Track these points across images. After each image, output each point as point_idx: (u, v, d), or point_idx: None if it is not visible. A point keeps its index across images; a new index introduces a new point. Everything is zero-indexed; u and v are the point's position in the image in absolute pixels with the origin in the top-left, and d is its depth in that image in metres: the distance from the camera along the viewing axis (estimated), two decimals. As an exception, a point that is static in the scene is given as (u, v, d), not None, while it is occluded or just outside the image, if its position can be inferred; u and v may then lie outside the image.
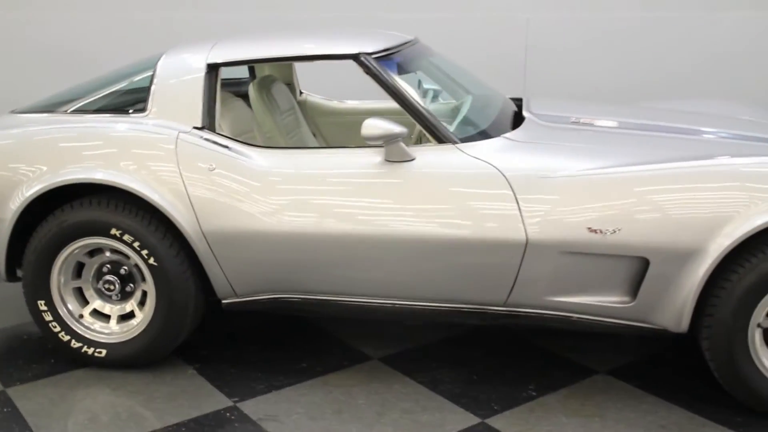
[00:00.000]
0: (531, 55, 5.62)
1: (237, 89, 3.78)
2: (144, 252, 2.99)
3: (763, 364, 2.71)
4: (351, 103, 4.27)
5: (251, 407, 2.86)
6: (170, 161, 2.97)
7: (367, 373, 3.11)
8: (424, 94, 3.50)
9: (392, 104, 3.02)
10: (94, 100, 3.26)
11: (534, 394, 2.94)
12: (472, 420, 2.76)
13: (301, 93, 4.30)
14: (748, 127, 3.30)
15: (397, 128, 2.80)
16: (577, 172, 2.78)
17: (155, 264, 3.00)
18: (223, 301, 3.12)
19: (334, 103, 4.28)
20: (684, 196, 2.67)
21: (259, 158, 2.96)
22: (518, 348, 3.30)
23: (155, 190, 2.95)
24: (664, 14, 5.43)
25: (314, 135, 4.08)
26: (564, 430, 2.69)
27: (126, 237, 2.99)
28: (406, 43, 3.41)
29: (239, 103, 3.48)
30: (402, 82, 3.01)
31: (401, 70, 3.17)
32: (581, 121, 3.23)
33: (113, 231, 2.99)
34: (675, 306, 2.73)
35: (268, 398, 2.93)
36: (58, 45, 5.65)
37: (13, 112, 3.42)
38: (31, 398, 2.95)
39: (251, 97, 3.53)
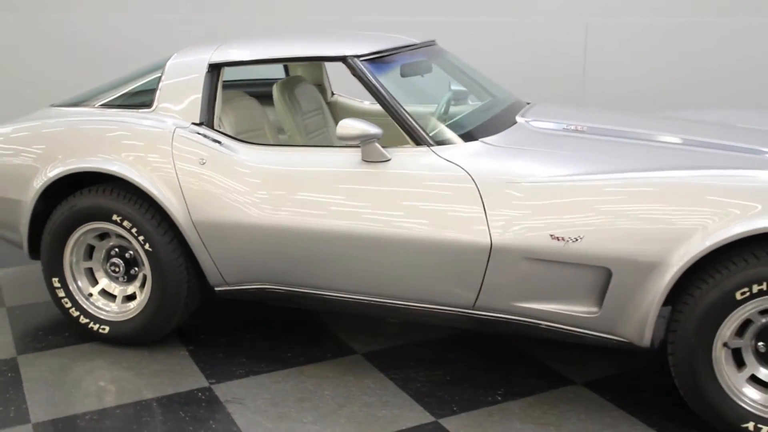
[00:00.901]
0: (590, 60, 5.53)
1: (266, 90, 3.94)
2: (141, 238, 3.20)
3: (728, 384, 2.60)
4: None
5: (223, 389, 3.01)
6: (166, 154, 3.16)
7: (345, 366, 3.19)
8: (455, 96, 3.57)
9: (419, 107, 3.13)
10: (115, 96, 3.51)
11: (499, 399, 2.93)
12: (427, 419, 2.79)
13: (332, 94, 4.43)
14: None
15: (372, 129, 2.87)
16: (545, 178, 2.76)
17: (150, 250, 3.20)
18: (216, 288, 3.29)
19: (365, 105, 4.37)
20: (648, 207, 2.60)
21: (247, 154, 3.11)
22: (504, 354, 3.29)
23: (151, 181, 3.15)
24: (727, 20, 5.22)
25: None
26: (508, 426, 2.69)
27: (125, 223, 3.21)
28: (407, 46, 3.47)
29: (249, 102, 3.64)
30: (387, 84, 3.07)
31: (394, 72, 3.24)
32: (573, 128, 3.18)
33: (114, 217, 3.22)
34: (638, 319, 2.66)
35: (243, 382, 3.06)
36: (102, 44, 6.07)
37: (52, 105, 3.73)
38: (35, 366, 3.22)
39: (274, 97, 3.69)
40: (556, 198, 2.71)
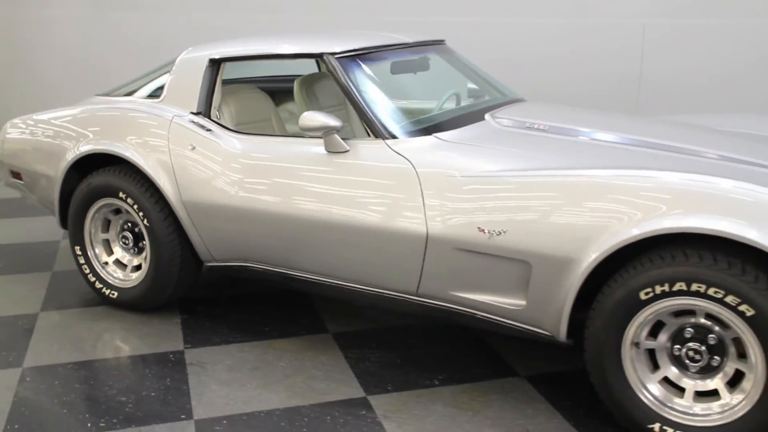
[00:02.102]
0: (646, 61, 5.46)
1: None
2: (140, 214, 3.58)
3: (637, 384, 2.61)
4: (404, 102, 4.52)
5: (192, 354, 3.32)
6: (163, 139, 3.51)
7: (310, 343, 3.42)
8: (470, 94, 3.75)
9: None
10: (139, 87, 3.91)
11: (437, 383, 3.06)
12: (358, 394, 2.97)
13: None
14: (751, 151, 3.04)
15: (332, 122, 3.08)
16: (479, 173, 2.87)
17: (148, 225, 3.57)
18: (206, 264, 3.61)
19: (399, 102, 4.55)
20: (566, 204, 2.65)
21: (233, 142, 3.40)
22: (464, 343, 3.40)
23: (149, 163, 3.51)
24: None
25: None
26: (429, 416, 2.81)
27: (129, 200, 3.59)
28: (399, 44, 3.63)
29: (257, 95, 3.93)
30: (364, 80, 3.26)
31: (376, 68, 3.44)
32: (534, 126, 3.25)
33: (120, 194, 3.61)
34: (556, 314, 2.72)
35: (213, 349, 3.36)
36: (157, 40, 6.59)
37: (96, 95, 4.20)
38: (49, 321, 3.67)
39: (294, 92, 3.98)
40: (485, 192, 2.81)
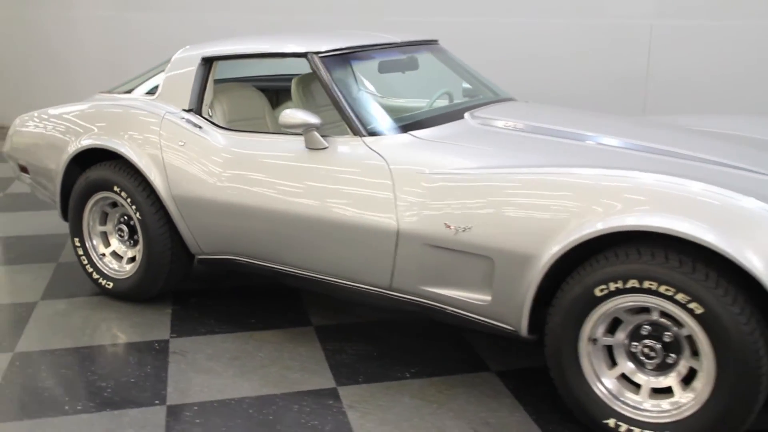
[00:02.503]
0: (654, 61, 5.44)
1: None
2: (133, 207, 3.70)
3: (595, 379, 2.65)
4: (401, 101, 4.59)
5: (177, 343, 3.43)
6: (155, 135, 3.63)
7: (292, 335, 3.50)
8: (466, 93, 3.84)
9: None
10: (139, 84, 4.04)
11: (408, 375, 3.12)
12: (328, 385, 3.05)
13: (359, 90, 4.72)
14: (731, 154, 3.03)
15: (311, 119, 3.17)
16: (449, 170, 2.93)
17: (141, 218, 3.69)
18: (196, 256, 3.72)
19: (391, 101, 4.63)
20: (525, 201, 2.70)
21: (219, 138, 3.50)
22: (442, 337, 3.45)
23: (141, 157, 3.63)
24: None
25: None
26: (394, 407, 2.88)
27: (123, 194, 3.72)
28: (387, 44, 3.70)
29: (251, 93, 4.02)
30: (338, 79, 3.34)
31: (361, 67, 3.52)
32: (511, 125, 3.29)
33: (115, 188, 3.74)
34: (519, 309, 2.77)
35: (197, 339, 3.47)
36: (177, 40, 6.74)
37: (100, 92, 4.34)
38: (47, 309, 3.81)
39: (291, 91, 4.07)
40: (452, 189, 2.87)
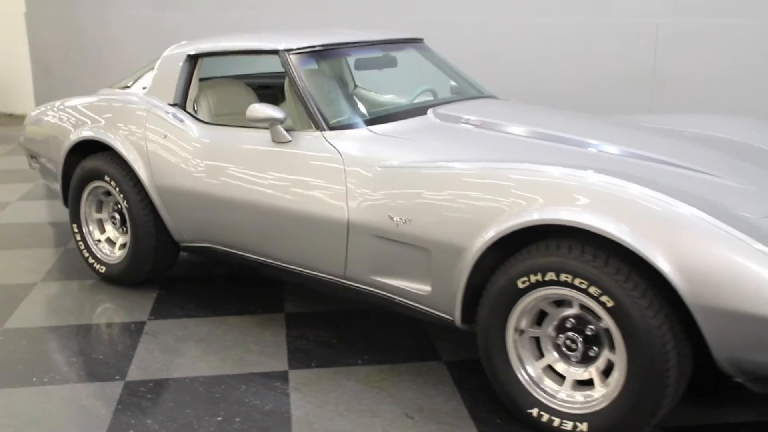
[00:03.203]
0: (660, 60, 5.42)
1: None
2: (121, 196, 3.91)
3: (521, 369, 2.71)
4: (387, 96, 4.68)
5: (153, 325, 3.62)
6: (141, 128, 3.83)
7: (262, 321, 3.65)
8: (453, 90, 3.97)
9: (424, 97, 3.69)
10: (135, 80, 4.26)
11: (359, 362, 3.23)
12: (281, 368, 3.18)
13: (355, 86, 4.85)
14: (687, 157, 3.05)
15: (276, 113, 3.31)
16: (396, 164, 3.03)
17: (128, 207, 3.90)
18: (180, 244, 3.91)
19: (383, 97, 4.74)
20: (458, 194, 2.79)
21: (197, 131, 3.68)
22: (406, 328, 3.54)
23: (127, 149, 3.84)
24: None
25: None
26: (336, 390, 2.99)
27: (112, 183, 3.93)
28: (362, 42, 3.81)
29: (240, 89, 4.18)
30: (305, 76, 3.47)
31: (332, 64, 3.65)
32: (470, 121, 3.37)
33: (106, 177, 3.96)
34: (454, 299, 2.85)
35: (172, 322, 3.65)
36: None
37: (107, 87, 4.58)
38: (43, 291, 4.06)
39: (285, 89, 4.23)
40: (396, 182, 2.97)
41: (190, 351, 3.35)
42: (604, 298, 2.45)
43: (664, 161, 2.93)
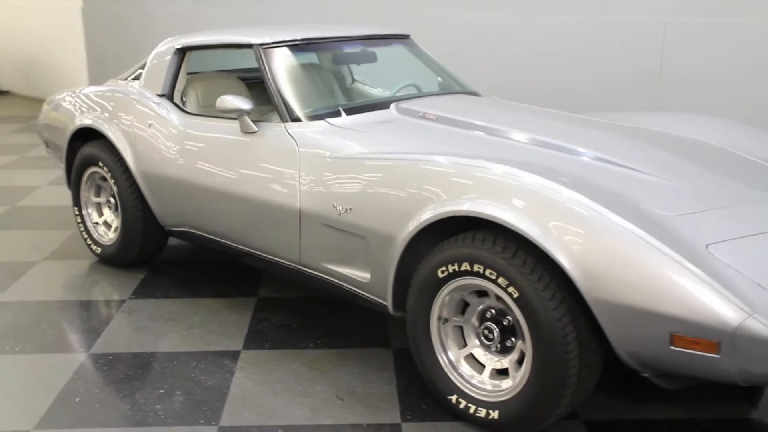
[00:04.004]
0: (667, 59, 5.36)
1: None
2: (112, 181, 4.13)
3: (443, 357, 2.79)
4: (374, 90, 4.76)
5: (130, 304, 3.83)
6: (130, 117, 4.05)
7: (233, 304, 3.81)
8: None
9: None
10: (135, 72, 4.48)
11: (312, 346, 3.36)
12: (236, 348, 3.34)
13: (353, 81, 4.96)
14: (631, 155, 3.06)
15: (243, 105, 3.46)
16: (344, 155, 3.14)
17: (118, 191, 4.12)
18: (165, 228, 4.11)
19: (377, 90, 4.84)
20: (391, 185, 2.88)
21: (179, 121, 3.86)
22: (370, 316, 3.63)
23: (118, 137, 4.06)
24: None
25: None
26: (280, 371, 3.13)
27: (104, 169, 4.16)
28: (340, 37, 3.93)
29: (231, 82, 4.32)
30: (275, 70, 3.60)
31: (304, 58, 3.78)
32: (427, 115, 3.45)
33: (100, 163, 4.19)
34: (387, 287, 2.95)
35: (150, 301, 3.85)
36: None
37: (114, 78, 4.82)
38: (42, 269, 4.32)
39: None
40: (342, 173, 3.09)
41: (157, 329, 3.54)
42: (510, 289, 2.51)
43: (598, 157, 2.95)
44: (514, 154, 2.95)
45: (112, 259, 4.30)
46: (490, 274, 2.55)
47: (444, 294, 2.74)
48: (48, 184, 6.27)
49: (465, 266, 2.62)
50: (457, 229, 2.73)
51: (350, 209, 3.02)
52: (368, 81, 4.30)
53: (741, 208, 2.70)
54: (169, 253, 4.48)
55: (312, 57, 3.93)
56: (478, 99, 3.96)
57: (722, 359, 2.25)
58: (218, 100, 3.48)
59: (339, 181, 3.07)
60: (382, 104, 3.62)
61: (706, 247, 2.40)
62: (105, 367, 3.17)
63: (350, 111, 3.52)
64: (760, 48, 5.04)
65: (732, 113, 4.89)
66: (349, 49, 3.99)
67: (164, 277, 4.18)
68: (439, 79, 4.23)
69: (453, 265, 2.65)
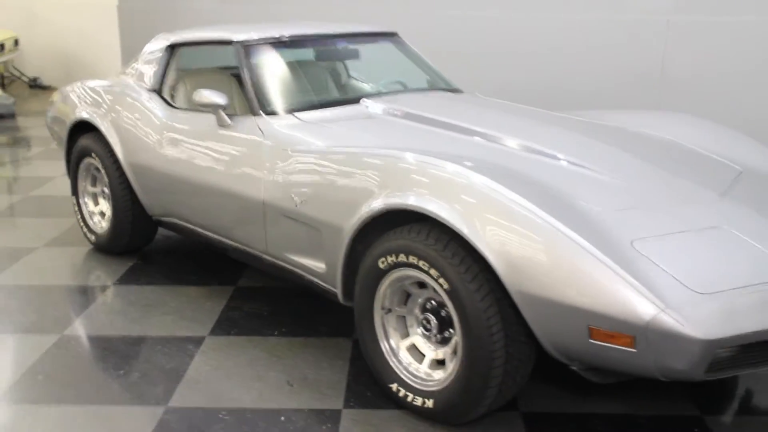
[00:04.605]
0: (668, 58, 5.33)
1: None
2: (104, 172, 4.29)
3: (386, 345, 2.86)
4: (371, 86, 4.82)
5: (114, 289, 3.97)
6: (121, 110, 4.19)
7: (212, 293, 3.92)
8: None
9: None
10: (131, 67, 4.63)
11: (275, 334, 3.44)
12: (202, 333, 3.45)
13: (349, 77, 5.04)
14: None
15: (218, 99, 3.56)
16: (304, 149, 3.23)
17: (108, 181, 4.27)
18: (153, 218, 4.25)
19: (359, 87, 4.87)
20: (341, 177, 2.96)
21: (163, 114, 4.00)
22: (337, 305, 3.71)
23: (108, 129, 4.21)
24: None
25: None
26: (238, 357, 3.22)
27: (96, 159, 4.32)
28: (324, 35, 4.02)
29: (222, 78, 4.40)
30: (251, 66, 3.70)
31: (282, 55, 3.88)
32: (394, 111, 3.51)
33: (92, 154, 4.35)
34: (338, 277, 3.03)
35: (132, 288, 3.99)
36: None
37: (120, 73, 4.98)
38: (41, 254, 4.50)
39: None
40: (300, 165, 3.17)
41: (133, 313, 3.67)
42: (441, 281, 2.56)
43: (547, 153, 2.98)
44: (461, 150, 2.99)
45: (106, 247, 4.46)
46: (423, 265, 2.61)
47: (386, 284, 2.80)
48: (63, 175, 6.43)
49: (402, 257, 2.68)
50: (405, 222, 2.79)
51: (305, 201, 3.10)
52: (353, 78, 4.36)
53: (680, 205, 2.70)
54: (161, 242, 4.62)
55: (291, 54, 4.01)
56: (454, 96, 4.00)
57: (639, 354, 2.27)
58: (195, 94, 3.59)
59: (297, 173, 3.16)
60: (354, 100, 3.70)
61: (631, 242, 2.42)
62: (74, 349, 3.31)
63: (320, 106, 3.60)
64: (764, 46, 4.98)
65: (734, 112, 4.87)
66: (330, 46, 4.07)
67: (153, 265, 4.32)
68: (425, 75, 4.28)
69: (392, 256, 2.71)
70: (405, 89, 4.02)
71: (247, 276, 4.13)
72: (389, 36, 4.34)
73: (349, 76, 4.30)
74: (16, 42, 11.44)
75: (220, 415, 2.79)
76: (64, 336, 3.43)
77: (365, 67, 4.36)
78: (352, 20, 4.76)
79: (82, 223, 4.61)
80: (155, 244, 4.61)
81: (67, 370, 3.12)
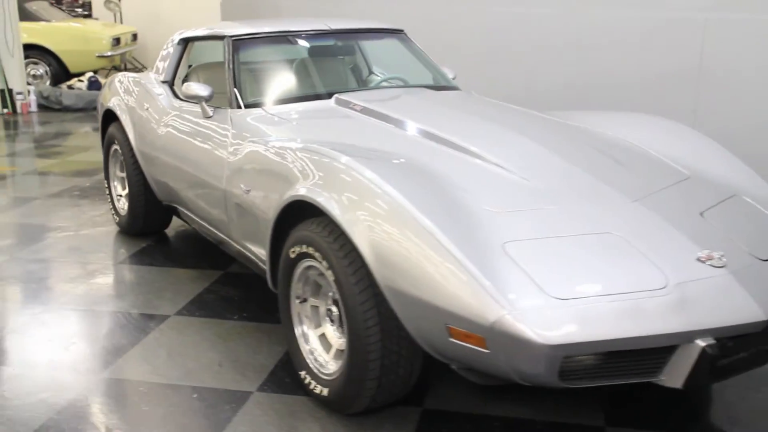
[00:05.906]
0: (706, 56, 5.08)
1: None
2: (122, 158, 4.60)
3: (301, 334, 2.94)
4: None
5: (114, 268, 4.26)
6: (136, 100, 4.48)
7: (198, 276, 4.11)
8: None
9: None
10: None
11: (235, 318, 3.59)
12: (168, 313, 3.64)
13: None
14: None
15: (202, 92, 3.76)
16: (259, 140, 3.36)
17: (126, 167, 4.58)
18: (162, 203, 4.52)
19: (351, 83, 4.88)
20: (271, 169, 3.08)
21: (166, 104, 4.24)
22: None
23: (125, 119, 4.52)
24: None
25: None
26: (191, 337, 3.39)
27: (118, 146, 4.64)
28: (318, 30, 4.13)
29: (222, 70, 4.62)
30: (236, 60, 3.86)
31: (271, 50, 4.04)
32: (354, 107, 3.57)
33: (116, 142, 4.67)
34: (267, 264, 3.14)
35: (134, 267, 4.26)
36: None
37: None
38: (74, 233, 4.87)
39: None
40: (251, 155, 3.31)
41: (120, 290, 3.94)
42: (329, 273, 2.62)
43: (469, 151, 2.96)
44: (390, 144, 3.03)
45: (126, 228, 4.77)
46: (318, 256, 2.67)
47: (297, 274, 2.88)
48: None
49: (305, 248, 2.75)
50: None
51: (250, 190, 3.23)
52: (346, 74, 4.42)
53: (581, 209, 2.62)
54: (181, 227, 4.87)
55: (282, 50, 4.15)
56: (435, 94, 3.98)
57: (492, 355, 2.25)
58: (183, 86, 3.80)
59: (247, 162, 3.29)
60: (327, 96, 3.78)
61: (503, 244, 2.39)
62: (45, 317, 3.60)
63: (291, 101, 3.72)
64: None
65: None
66: (322, 43, 4.17)
67: (162, 248, 4.59)
68: (429, 73, 4.30)
69: (297, 247, 2.79)
70: (390, 86, 4.05)
71: (237, 264, 4.30)
72: (395, 33, 4.39)
73: (345, 72, 4.38)
74: (135, 36, 12.24)
75: (141, 389, 2.97)
76: (46, 307, 3.72)
77: (367, 64, 4.43)
78: (401, 17, 4.83)
79: (111, 206, 4.95)
80: (177, 228, 4.85)
81: (29, 337, 3.41)
